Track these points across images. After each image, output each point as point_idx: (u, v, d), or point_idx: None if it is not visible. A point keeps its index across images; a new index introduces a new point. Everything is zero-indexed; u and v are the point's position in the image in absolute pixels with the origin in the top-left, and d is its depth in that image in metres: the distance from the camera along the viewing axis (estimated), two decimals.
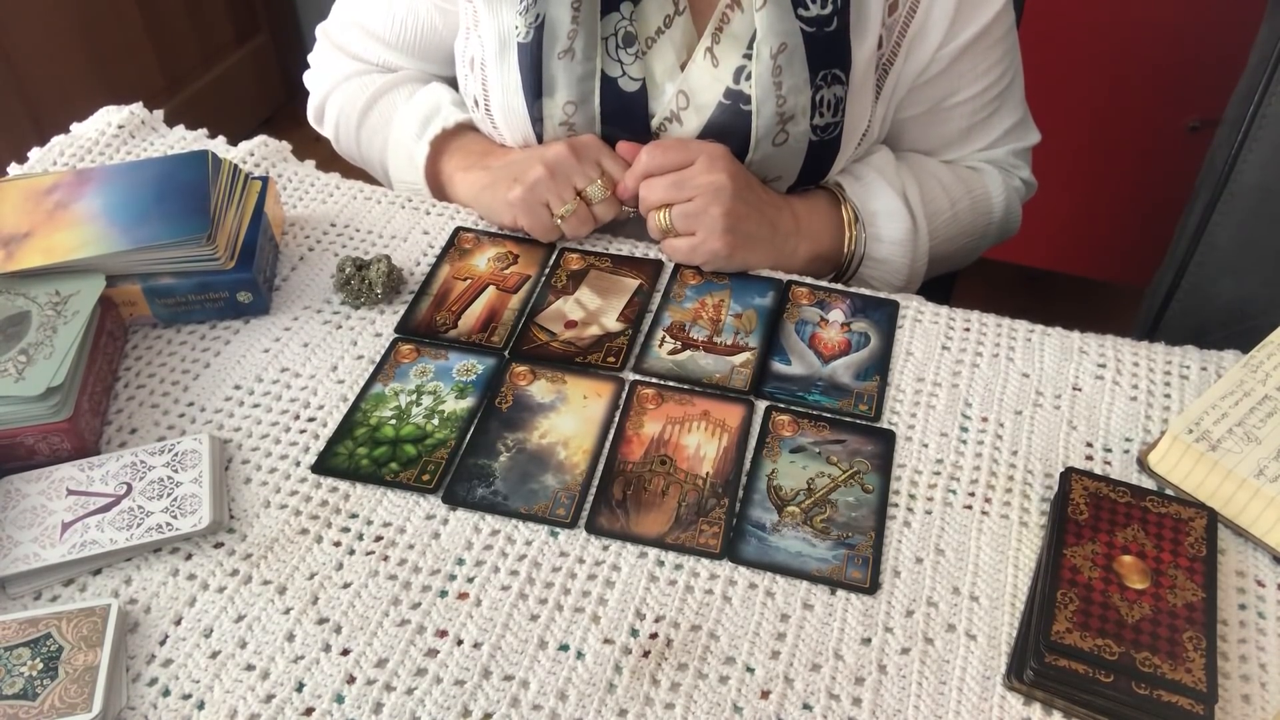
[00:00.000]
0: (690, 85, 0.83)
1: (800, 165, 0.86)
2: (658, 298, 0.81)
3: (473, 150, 0.91)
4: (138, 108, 0.97)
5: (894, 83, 0.87)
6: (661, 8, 0.82)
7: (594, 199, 0.83)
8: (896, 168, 0.90)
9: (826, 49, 0.80)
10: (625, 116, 0.84)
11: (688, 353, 0.76)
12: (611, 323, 0.78)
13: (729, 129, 0.83)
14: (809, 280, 0.83)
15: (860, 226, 0.87)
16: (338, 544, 0.64)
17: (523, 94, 0.85)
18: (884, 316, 0.79)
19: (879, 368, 0.75)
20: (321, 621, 0.60)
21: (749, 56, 0.81)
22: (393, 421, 0.71)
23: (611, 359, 0.75)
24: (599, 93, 0.83)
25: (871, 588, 0.62)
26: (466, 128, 0.92)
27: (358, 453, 0.69)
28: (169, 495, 0.65)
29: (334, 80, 1.00)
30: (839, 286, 0.83)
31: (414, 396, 0.73)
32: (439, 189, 0.93)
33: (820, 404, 0.73)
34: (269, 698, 0.56)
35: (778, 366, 0.76)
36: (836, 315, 0.80)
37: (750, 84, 0.81)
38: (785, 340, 0.78)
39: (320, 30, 1.01)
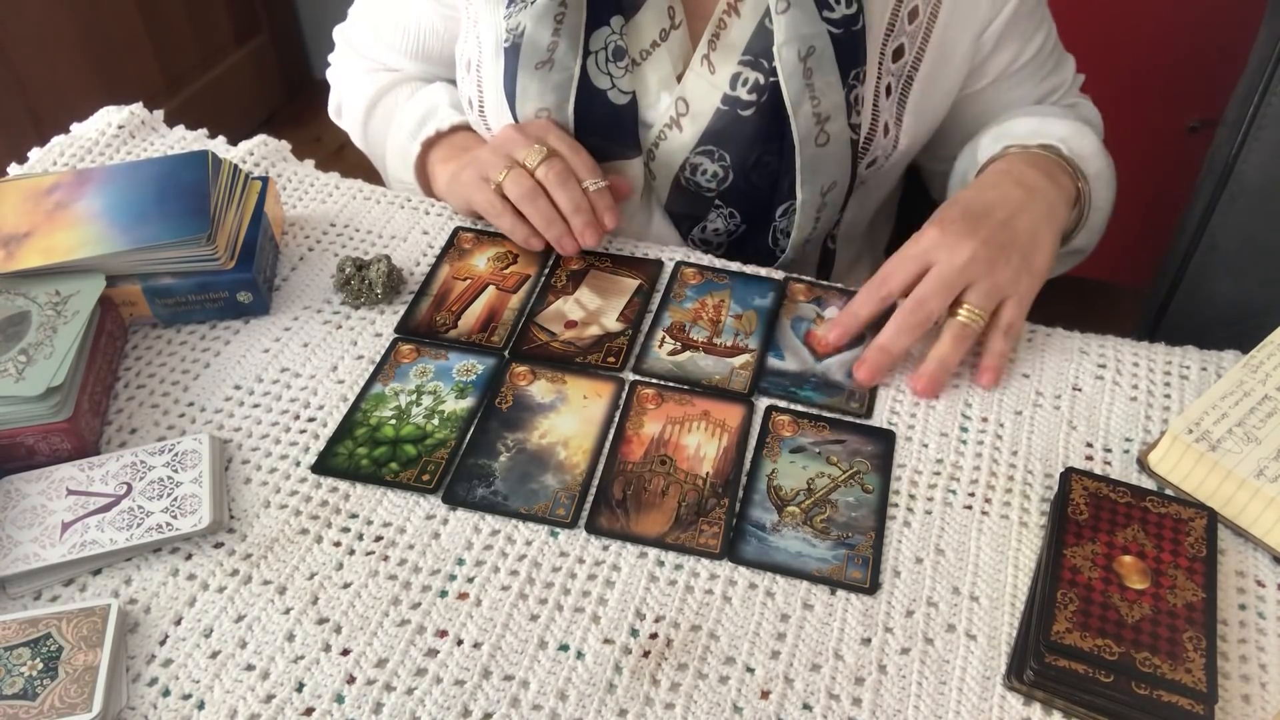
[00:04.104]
0: (688, 93, 0.83)
1: (849, 167, 0.85)
2: (658, 298, 0.81)
3: (457, 145, 0.91)
4: (138, 108, 0.97)
5: (922, 89, 0.86)
6: (658, 21, 0.82)
7: (529, 164, 0.81)
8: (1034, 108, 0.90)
9: (854, 49, 0.80)
10: (613, 129, 0.84)
11: (688, 354, 0.76)
12: (611, 323, 0.78)
13: (725, 134, 0.83)
14: (807, 278, 0.83)
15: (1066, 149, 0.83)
16: (338, 544, 0.64)
17: (505, 98, 0.85)
18: (879, 317, 0.79)
19: None
20: (321, 621, 0.60)
21: (745, 63, 0.81)
22: (393, 421, 0.71)
23: (611, 359, 0.75)
24: (574, 101, 0.83)
25: (871, 588, 0.62)
26: (462, 129, 0.92)
27: (358, 453, 0.69)
28: (169, 495, 0.65)
29: (348, 79, 1.03)
30: (837, 285, 0.83)
31: (414, 396, 0.73)
32: (428, 185, 0.94)
33: (812, 400, 0.73)
34: (269, 698, 0.56)
35: (772, 362, 0.76)
36: (832, 313, 0.79)
37: (746, 89, 0.81)
38: (780, 336, 0.78)
39: (337, 31, 1.05)
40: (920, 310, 0.72)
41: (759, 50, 0.80)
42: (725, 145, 0.84)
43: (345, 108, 1.04)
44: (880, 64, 0.83)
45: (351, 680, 0.57)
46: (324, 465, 0.68)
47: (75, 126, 0.96)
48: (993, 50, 0.87)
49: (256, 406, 0.72)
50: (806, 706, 0.56)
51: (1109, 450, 0.70)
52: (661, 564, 0.63)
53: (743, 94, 0.82)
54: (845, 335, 0.76)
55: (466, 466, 0.68)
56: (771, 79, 0.80)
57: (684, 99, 0.83)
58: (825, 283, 0.82)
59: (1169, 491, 0.67)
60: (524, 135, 0.82)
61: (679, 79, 0.84)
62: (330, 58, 1.06)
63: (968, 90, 0.90)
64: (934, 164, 1.00)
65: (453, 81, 0.97)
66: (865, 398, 0.73)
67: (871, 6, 0.81)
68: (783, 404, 0.73)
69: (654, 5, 0.81)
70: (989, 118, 0.91)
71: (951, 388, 0.74)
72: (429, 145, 0.92)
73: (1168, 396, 0.74)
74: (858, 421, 0.72)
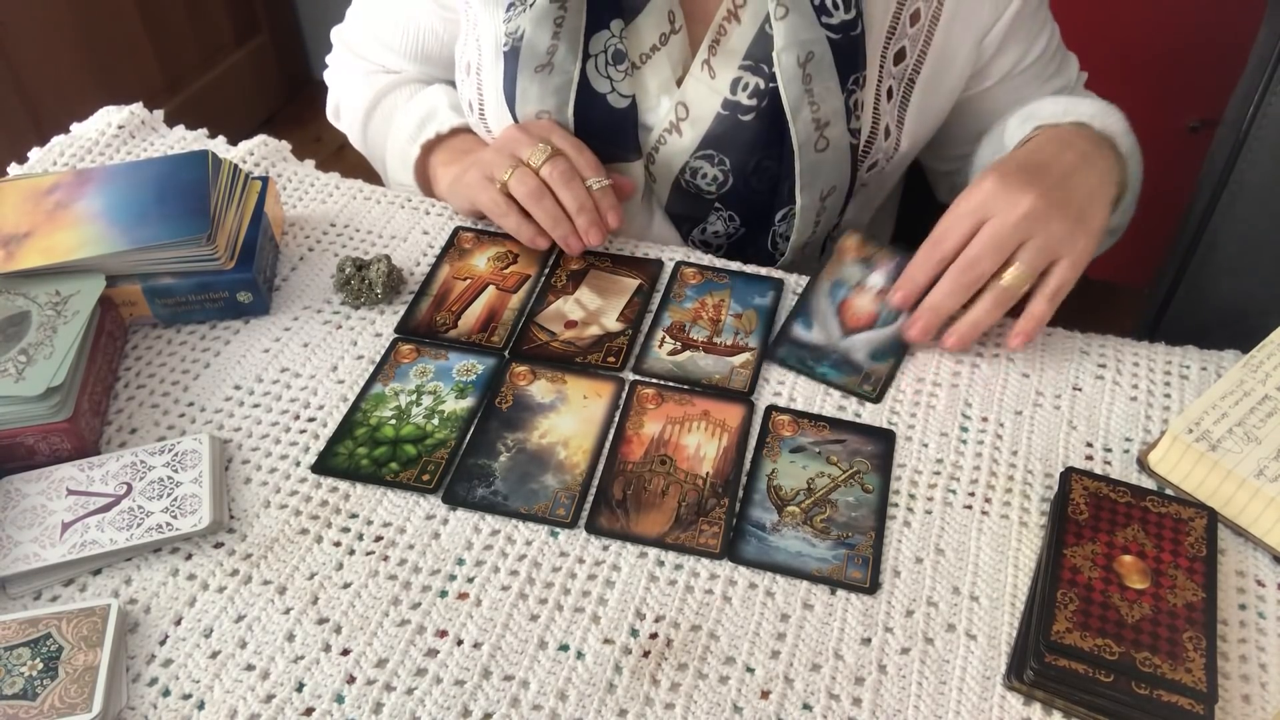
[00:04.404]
0: (689, 97, 0.83)
1: (849, 172, 0.85)
2: (657, 298, 0.81)
3: (458, 148, 0.92)
4: (138, 108, 0.97)
5: (924, 91, 0.86)
6: (657, 26, 0.82)
7: (534, 163, 0.81)
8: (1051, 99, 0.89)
9: (853, 54, 0.80)
10: (613, 132, 0.84)
11: (687, 353, 0.76)
12: (611, 323, 0.78)
13: (725, 139, 0.83)
14: (855, 235, 0.81)
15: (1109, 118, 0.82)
16: (338, 544, 0.64)
17: (504, 102, 0.85)
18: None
19: (897, 349, 0.75)
20: (321, 621, 0.60)
21: (745, 68, 0.81)
22: (393, 421, 0.71)
23: (611, 359, 0.75)
24: (573, 104, 0.83)
25: (871, 588, 0.62)
26: (461, 132, 0.93)
27: (358, 453, 0.69)
28: (169, 495, 0.65)
29: (347, 81, 1.03)
30: (891, 246, 0.82)
31: (414, 396, 0.73)
32: (428, 187, 0.94)
33: (826, 377, 0.74)
34: (269, 698, 0.56)
35: (797, 330, 0.76)
36: (876, 280, 0.79)
37: (747, 94, 0.81)
38: (814, 301, 0.78)
39: (334, 33, 1.04)
40: (972, 271, 0.72)
41: (760, 55, 0.80)
42: (725, 150, 0.84)
43: (344, 110, 1.04)
44: (881, 67, 0.83)
45: (351, 680, 0.57)
46: (324, 465, 0.68)
47: (75, 126, 0.96)
48: (996, 53, 0.87)
49: (256, 406, 0.72)
50: (806, 706, 0.56)
51: (1109, 450, 0.70)
52: (661, 564, 0.63)
53: (743, 99, 0.82)
54: (909, 299, 0.75)
55: (466, 466, 0.68)
56: (771, 84, 0.80)
57: (684, 103, 0.83)
58: (878, 244, 0.81)
59: (1169, 491, 0.67)
60: (528, 135, 0.82)
61: (679, 83, 0.84)
62: (328, 59, 1.06)
63: (972, 91, 0.90)
64: (939, 164, 1.00)
65: (452, 83, 0.97)
66: (880, 383, 0.73)
67: (872, 10, 0.80)
68: (793, 376, 0.73)
69: (654, 9, 0.81)
70: (995, 116, 0.91)
71: (951, 387, 0.74)
72: (429, 148, 0.92)
73: (1168, 396, 0.74)
74: (858, 421, 0.72)
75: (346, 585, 0.62)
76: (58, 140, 0.93)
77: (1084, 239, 0.73)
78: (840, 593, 0.62)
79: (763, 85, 0.81)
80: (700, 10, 0.82)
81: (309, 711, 0.56)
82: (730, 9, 0.81)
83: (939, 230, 0.74)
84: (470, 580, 0.62)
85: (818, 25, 0.78)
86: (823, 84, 0.80)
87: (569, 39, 0.81)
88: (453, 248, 0.85)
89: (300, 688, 0.57)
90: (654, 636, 0.59)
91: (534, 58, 0.81)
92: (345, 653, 0.58)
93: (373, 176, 1.00)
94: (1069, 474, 0.65)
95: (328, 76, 1.07)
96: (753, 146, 0.83)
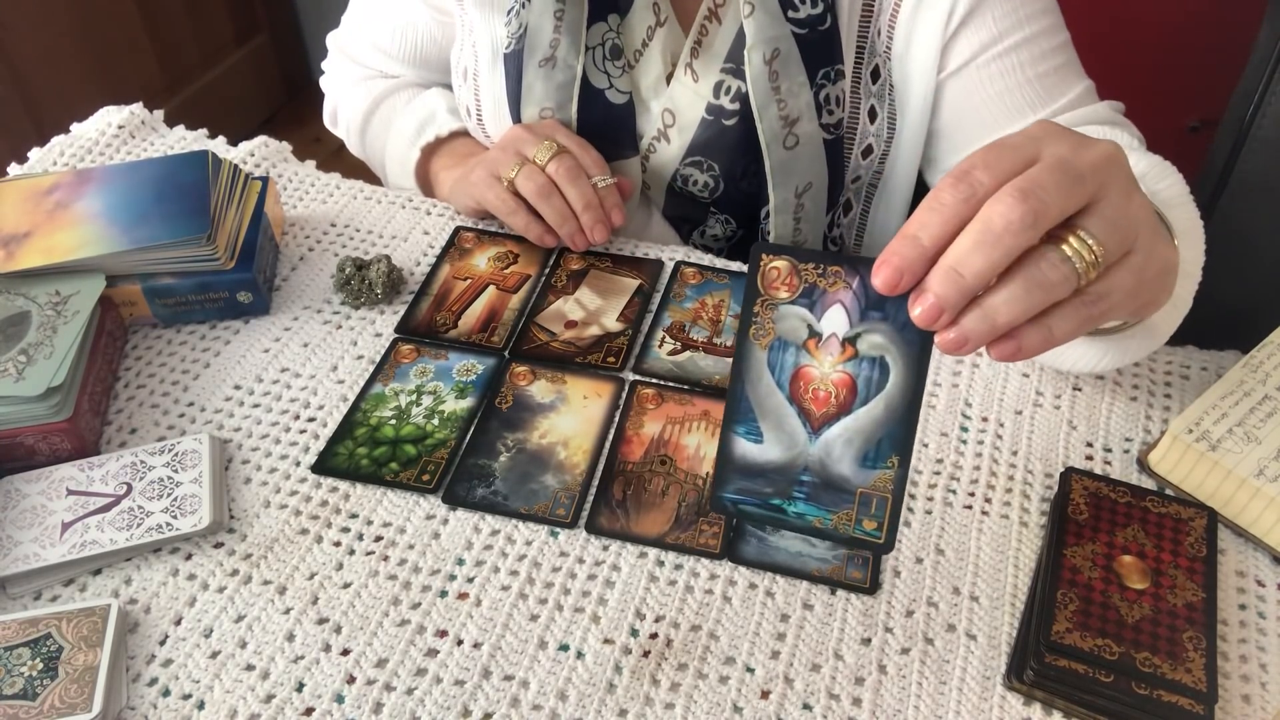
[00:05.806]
0: (675, 103, 0.83)
1: (825, 167, 0.84)
2: (658, 298, 0.81)
3: (458, 151, 0.92)
4: (138, 108, 0.97)
5: (900, 64, 0.82)
6: (644, 20, 0.82)
7: (540, 161, 0.80)
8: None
9: (823, 48, 0.80)
10: (612, 129, 0.84)
11: (688, 353, 0.76)
12: (611, 323, 0.78)
13: (713, 144, 0.83)
14: (785, 247, 0.48)
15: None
16: (338, 544, 0.64)
17: (508, 104, 0.85)
18: (911, 321, 0.45)
19: (900, 436, 0.46)
20: (321, 621, 0.60)
21: (727, 71, 0.81)
22: (393, 421, 0.71)
23: (611, 359, 0.75)
24: (577, 100, 0.83)
25: (871, 588, 0.62)
26: (460, 135, 0.93)
27: (358, 453, 0.69)
28: (169, 495, 0.65)
29: (343, 86, 1.03)
30: (838, 255, 0.53)
31: (414, 396, 0.73)
32: (429, 190, 0.95)
33: (803, 523, 0.49)
34: (269, 698, 0.56)
35: (743, 447, 0.48)
36: (836, 321, 0.46)
37: (729, 98, 0.81)
38: (752, 388, 0.47)
39: (330, 39, 1.05)
40: (1025, 203, 0.42)
41: (739, 58, 0.80)
42: (713, 156, 0.84)
43: (341, 116, 1.04)
44: (863, 50, 0.82)
45: (351, 680, 0.57)
46: (324, 465, 0.68)
47: (75, 126, 0.96)
48: (961, 25, 0.79)
49: (256, 406, 0.72)
50: (806, 706, 0.56)
51: (1109, 450, 0.70)
52: (661, 564, 0.63)
53: (725, 103, 0.82)
54: (900, 274, 0.43)
55: (466, 466, 0.68)
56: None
57: (670, 110, 0.83)
58: (811, 251, 0.47)
59: (1169, 491, 0.67)
60: (532, 134, 0.82)
61: (668, 80, 0.84)
62: (323, 65, 1.06)
63: (944, 74, 0.82)
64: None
65: (449, 86, 0.97)
66: (886, 509, 0.47)
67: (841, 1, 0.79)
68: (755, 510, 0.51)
69: (642, 3, 0.82)
70: (979, 124, 0.83)
71: (951, 387, 0.74)
72: (429, 151, 0.93)
73: (1168, 396, 0.74)
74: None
75: (346, 585, 0.62)
76: (58, 140, 0.94)
77: (1165, 246, 0.50)
78: (840, 593, 0.62)
79: (743, 88, 0.81)
80: (686, 11, 0.82)
81: (309, 711, 0.56)
82: (711, 8, 0.81)
83: (964, 164, 0.45)
84: (470, 580, 0.62)
85: (783, 21, 0.78)
86: (790, 80, 0.79)
87: (570, 33, 0.81)
88: (453, 247, 0.85)
89: (300, 688, 0.57)
90: (654, 636, 0.59)
91: (538, 50, 0.81)
92: (345, 653, 0.58)
93: (373, 177, 1.00)
94: (1069, 474, 0.65)
95: (324, 83, 1.07)
96: (737, 151, 0.83)
